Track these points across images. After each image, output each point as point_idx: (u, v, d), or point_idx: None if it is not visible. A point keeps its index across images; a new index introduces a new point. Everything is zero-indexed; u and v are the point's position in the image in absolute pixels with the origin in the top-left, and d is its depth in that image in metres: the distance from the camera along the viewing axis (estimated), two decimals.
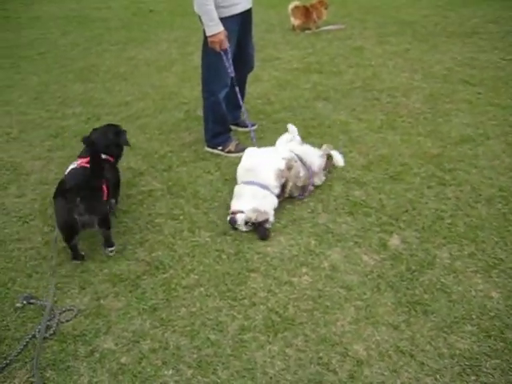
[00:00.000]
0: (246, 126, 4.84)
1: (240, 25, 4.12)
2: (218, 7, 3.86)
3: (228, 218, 3.57)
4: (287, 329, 2.79)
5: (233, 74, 4.09)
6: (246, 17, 4.13)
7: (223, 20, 3.90)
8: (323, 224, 3.59)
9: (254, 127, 4.91)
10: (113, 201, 3.71)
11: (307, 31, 8.06)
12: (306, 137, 4.71)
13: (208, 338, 2.77)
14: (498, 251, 3.27)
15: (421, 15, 8.73)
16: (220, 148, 4.50)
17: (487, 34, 7.51)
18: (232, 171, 4.24)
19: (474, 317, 2.81)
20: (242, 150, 4.34)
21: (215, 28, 3.85)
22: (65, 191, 3.17)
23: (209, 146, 4.56)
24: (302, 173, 3.80)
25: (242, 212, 3.51)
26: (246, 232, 3.52)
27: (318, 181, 3.95)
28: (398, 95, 5.59)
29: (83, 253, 3.39)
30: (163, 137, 4.91)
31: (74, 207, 3.09)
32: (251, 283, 3.12)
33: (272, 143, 4.35)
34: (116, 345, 2.77)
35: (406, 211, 3.69)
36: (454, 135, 4.69)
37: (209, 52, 4.04)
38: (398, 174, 4.12)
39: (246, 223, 3.50)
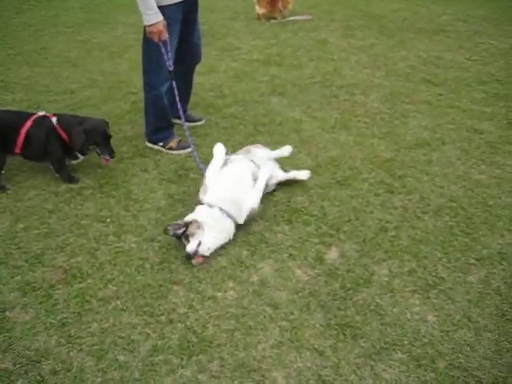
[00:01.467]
0: (194, 121, 4.59)
1: (183, 13, 3.83)
2: None
3: (181, 233, 3.17)
4: (203, 351, 2.56)
5: (171, 68, 3.81)
6: (190, 4, 3.85)
7: (164, 8, 3.62)
8: (258, 232, 3.36)
9: (201, 122, 4.65)
10: None
11: (273, 21, 7.78)
12: (255, 134, 4.48)
13: (116, 360, 2.53)
14: (440, 268, 3.09)
15: (391, 9, 8.51)
16: (161, 144, 4.23)
17: (455, 33, 7.32)
18: (170, 170, 4.00)
19: (405, 342, 2.61)
20: (184, 148, 4.10)
21: (153, 17, 3.56)
22: None
23: (149, 142, 4.29)
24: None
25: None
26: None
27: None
28: (357, 93, 5.37)
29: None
30: None
31: None
32: (172, 297, 2.88)
33: (217, 141, 4.10)
34: (14, 365, 2.51)
35: (349, 221, 3.47)
36: (409, 139, 4.49)
37: (149, 43, 3.75)
38: (346, 179, 3.91)
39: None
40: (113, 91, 5.35)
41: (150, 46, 3.77)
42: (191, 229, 3.10)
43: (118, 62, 6.04)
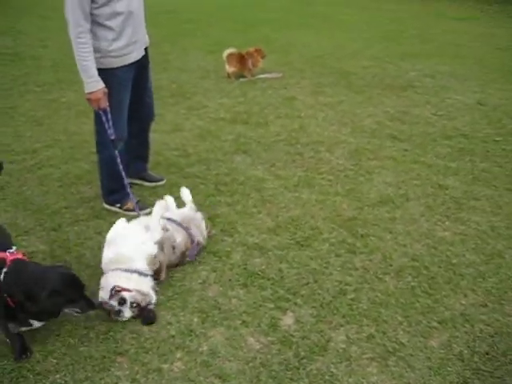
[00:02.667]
0: (153, 181, 4.51)
1: (135, 72, 3.79)
2: (106, 56, 3.54)
3: (109, 299, 2.99)
4: None
5: (113, 137, 3.73)
6: (141, 63, 3.82)
7: (112, 71, 3.59)
8: (212, 298, 3.22)
9: (162, 182, 4.57)
10: None
11: (242, 79, 7.83)
12: (215, 194, 4.40)
13: None
14: (400, 333, 2.96)
15: (361, 66, 8.63)
16: (118, 205, 4.12)
17: (422, 88, 7.41)
18: None
19: None
20: (142, 209, 3.99)
21: (93, 85, 3.51)
22: None
23: (106, 203, 4.18)
24: (179, 239, 3.42)
25: (129, 290, 3.02)
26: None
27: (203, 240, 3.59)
28: (322, 150, 5.34)
29: None
30: (61, 190, 4.50)
31: None
32: (115, 370, 2.71)
33: (177, 201, 4.00)
34: None
35: (307, 284, 3.35)
36: (373, 196, 4.43)
37: None
38: (306, 240, 3.80)
39: (132, 305, 3.01)
40: (74, 151, 5.27)
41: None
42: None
43: (84, 122, 5.97)
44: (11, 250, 2.77)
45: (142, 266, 3.13)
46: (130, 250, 3.16)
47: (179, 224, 3.52)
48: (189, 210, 3.77)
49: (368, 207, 4.26)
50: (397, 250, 3.71)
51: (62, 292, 2.71)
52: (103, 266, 3.23)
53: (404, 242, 3.81)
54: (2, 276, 2.68)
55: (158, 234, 3.29)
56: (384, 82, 7.75)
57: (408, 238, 3.85)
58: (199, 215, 3.73)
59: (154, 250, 3.22)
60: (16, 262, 2.78)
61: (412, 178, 4.77)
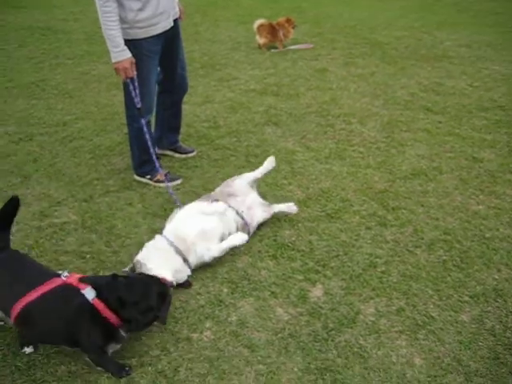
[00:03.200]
0: (184, 153, 4.52)
1: (163, 44, 3.76)
2: (132, 27, 3.52)
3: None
4: None
5: (139, 105, 3.72)
6: (169, 35, 3.78)
7: (139, 41, 3.57)
8: (241, 269, 3.22)
9: (192, 154, 4.57)
10: None
11: (273, 50, 7.74)
12: (245, 166, 4.37)
13: None
14: (430, 307, 2.92)
15: (394, 37, 8.44)
16: (148, 177, 4.14)
17: (458, 59, 7.21)
18: (156, 204, 3.90)
19: None
20: (173, 180, 4.01)
21: (119, 55, 3.49)
22: None
23: (137, 175, 4.20)
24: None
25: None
26: None
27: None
28: (353, 122, 5.26)
29: None
30: (93, 161, 4.54)
31: None
32: (146, 339, 2.75)
33: (207, 172, 4.01)
34: None
35: (337, 256, 3.33)
36: (405, 168, 4.35)
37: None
38: (336, 212, 3.77)
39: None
40: (106, 123, 5.30)
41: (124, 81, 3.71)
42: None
43: (115, 94, 6.01)
44: (65, 274, 2.54)
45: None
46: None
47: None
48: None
49: (400, 180, 4.19)
50: (429, 224, 3.64)
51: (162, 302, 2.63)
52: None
53: (436, 215, 3.74)
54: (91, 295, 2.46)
55: (221, 252, 3.25)
56: (418, 53, 7.56)
57: (440, 212, 3.78)
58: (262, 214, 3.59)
59: (209, 258, 3.22)
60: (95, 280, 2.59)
61: (446, 150, 4.67)
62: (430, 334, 2.75)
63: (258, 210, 3.49)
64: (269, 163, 3.75)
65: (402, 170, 4.34)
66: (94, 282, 2.50)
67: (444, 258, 3.31)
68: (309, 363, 2.58)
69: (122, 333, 2.52)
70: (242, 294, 3.03)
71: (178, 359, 2.62)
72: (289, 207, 3.63)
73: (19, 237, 3.56)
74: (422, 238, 3.49)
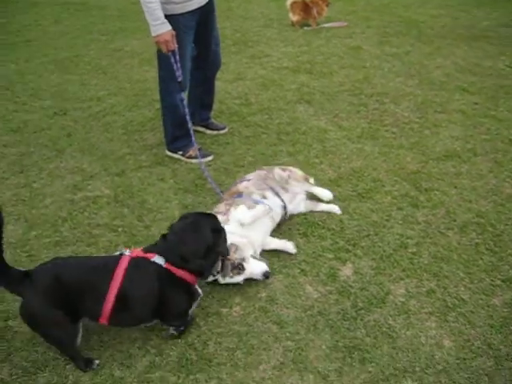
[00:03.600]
0: (216, 129, 4.52)
1: (198, 20, 3.75)
2: (168, 3, 3.51)
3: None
4: (202, 370, 2.47)
5: (180, 78, 3.72)
6: (205, 11, 3.76)
7: (176, 17, 3.56)
8: None
9: (224, 131, 4.57)
10: None
11: (306, 28, 7.64)
12: (277, 144, 4.36)
13: (112, 375, 2.46)
14: (461, 290, 2.89)
15: (430, 15, 8.25)
16: (180, 153, 4.16)
17: (496, 39, 7.01)
18: (187, 180, 3.92)
19: (417, 369, 2.44)
20: (204, 156, 4.02)
21: (159, 28, 3.49)
22: None
23: (169, 150, 4.23)
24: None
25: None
26: None
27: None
28: (387, 101, 5.18)
29: None
30: (125, 137, 4.59)
31: None
32: None
33: (238, 149, 4.01)
34: (10, 375, 2.47)
35: (367, 236, 3.31)
36: (438, 149, 4.28)
37: (162, 52, 3.69)
38: (368, 192, 3.74)
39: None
40: (138, 98, 5.34)
41: (162, 54, 3.70)
42: (236, 256, 2.83)
43: (147, 70, 6.03)
44: (127, 252, 2.50)
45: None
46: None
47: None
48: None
49: (433, 161, 4.12)
50: (461, 206, 3.59)
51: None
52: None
53: (469, 197, 3.68)
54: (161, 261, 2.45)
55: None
56: (455, 32, 7.39)
57: (474, 194, 3.72)
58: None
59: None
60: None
61: (481, 132, 4.57)
62: (460, 316, 2.72)
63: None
64: (324, 194, 3.56)
65: (436, 151, 4.27)
66: (153, 250, 2.49)
67: (476, 240, 3.27)
68: (337, 341, 2.58)
69: (198, 290, 2.57)
70: (271, 270, 3.04)
71: (207, 333, 2.65)
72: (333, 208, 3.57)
73: (53, 209, 3.63)
74: (455, 220, 3.44)
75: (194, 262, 2.46)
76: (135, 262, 2.43)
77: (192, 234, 2.52)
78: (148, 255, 2.46)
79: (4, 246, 2.29)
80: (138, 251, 2.50)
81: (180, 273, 2.44)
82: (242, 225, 2.98)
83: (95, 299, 2.35)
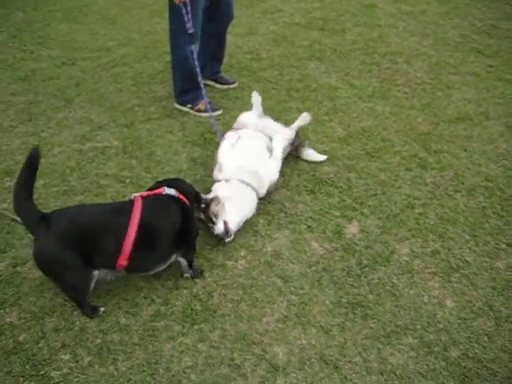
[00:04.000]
0: (226, 83, 4.47)
1: None
2: None
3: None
4: (206, 320, 2.50)
5: (191, 30, 3.66)
6: None
7: None
8: (278, 201, 3.24)
9: (234, 85, 4.53)
10: None
11: None
12: (287, 100, 4.32)
13: (118, 322, 2.50)
14: (466, 252, 2.90)
15: None
16: (189, 106, 4.12)
17: None
18: (196, 133, 3.91)
19: (418, 327, 2.48)
20: (214, 110, 3.99)
21: None
22: None
23: (178, 103, 4.19)
24: None
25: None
26: None
27: None
28: (400, 61, 5.10)
29: None
30: (135, 88, 4.55)
31: None
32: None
33: (247, 104, 3.97)
34: (19, 319, 2.51)
35: (375, 195, 3.31)
36: (450, 112, 4.23)
37: (173, 3, 3.61)
38: (377, 151, 3.72)
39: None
40: (148, 50, 5.26)
41: (173, 6, 3.63)
42: (212, 208, 2.87)
43: (158, 21, 5.93)
44: (136, 194, 2.57)
45: (263, 187, 3.13)
46: (257, 171, 3.11)
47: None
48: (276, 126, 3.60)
49: (444, 123, 4.08)
50: (470, 169, 3.57)
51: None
52: (215, 173, 3.19)
53: (479, 161, 3.66)
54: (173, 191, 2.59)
55: (279, 162, 3.30)
56: None
57: (483, 158, 3.69)
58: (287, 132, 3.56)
59: (276, 175, 3.23)
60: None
61: (494, 95, 4.51)
62: (463, 277, 2.74)
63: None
64: (302, 119, 3.64)
65: (447, 113, 4.22)
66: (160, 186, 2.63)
67: (484, 204, 3.26)
68: (340, 297, 2.61)
69: None
70: (277, 226, 3.06)
71: (212, 285, 2.68)
72: (303, 118, 3.63)
73: (62, 159, 3.63)
74: (463, 183, 3.43)
75: (197, 197, 2.77)
76: (149, 199, 2.50)
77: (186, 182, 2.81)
78: (158, 191, 2.56)
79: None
80: (144, 192, 2.58)
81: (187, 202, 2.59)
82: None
83: (113, 242, 2.37)
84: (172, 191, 2.56)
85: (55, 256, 2.30)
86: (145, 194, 2.56)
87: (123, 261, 2.38)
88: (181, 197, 2.57)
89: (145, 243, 2.39)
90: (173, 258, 2.61)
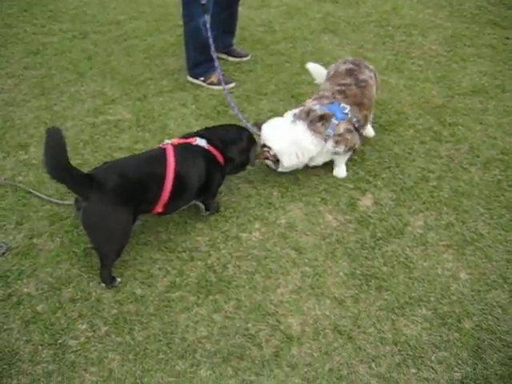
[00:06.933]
0: (239, 56, 4.44)
1: None
2: None
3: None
4: (221, 291, 2.52)
5: (204, 1, 3.61)
6: None
7: None
8: (292, 174, 3.23)
9: (246, 58, 4.48)
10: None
11: None
12: (300, 73, 4.28)
13: (133, 293, 2.53)
14: (480, 224, 2.89)
15: None
16: (202, 79, 4.10)
17: None
18: (209, 106, 3.90)
19: (432, 299, 2.48)
20: (227, 83, 3.95)
21: None
22: None
23: (190, 76, 4.17)
24: None
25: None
26: None
27: None
28: (414, 33, 5.02)
29: None
30: (147, 61, 4.53)
31: None
32: (196, 235, 2.84)
33: (260, 77, 3.94)
34: (36, 290, 2.55)
35: (388, 168, 3.30)
36: (465, 84, 4.18)
37: None
38: (391, 124, 3.69)
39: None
40: (159, 23, 5.22)
41: None
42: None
43: None
44: (168, 141, 2.72)
45: None
46: None
47: None
48: None
49: (459, 96, 4.04)
50: (485, 142, 3.54)
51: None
52: None
53: (494, 134, 3.62)
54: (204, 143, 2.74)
55: None
56: None
57: (499, 131, 3.65)
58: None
59: None
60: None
61: (511, 68, 4.44)
62: (477, 250, 2.74)
63: None
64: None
65: (462, 86, 4.17)
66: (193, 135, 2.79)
67: (499, 177, 3.24)
68: (354, 269, 2.62)
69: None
70: (291, 198, 3.06)
71: (226, 256, 2.70)
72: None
73: (74, 132, 3.64)
74: (478, 156, 3.41)
75: (231, 150, 2.81)
76: (181, 148, 2.65)
77: (235, 130, 2.93)
78: (189, 140, 2.71)
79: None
80: (177, 139, 2.73)
81: (217, 155, 2.75)
82: None
83: (154, 191, 2.51)
84: (203, 142, 2.71)
85: (112, 212, 2.38)
86: (176, 142, 2.68)
87: (160, 208, 2.57)
88: (210, 148, 2.72)
89: (177, 191, 2.56)
90: (193, 201, 2.80)
